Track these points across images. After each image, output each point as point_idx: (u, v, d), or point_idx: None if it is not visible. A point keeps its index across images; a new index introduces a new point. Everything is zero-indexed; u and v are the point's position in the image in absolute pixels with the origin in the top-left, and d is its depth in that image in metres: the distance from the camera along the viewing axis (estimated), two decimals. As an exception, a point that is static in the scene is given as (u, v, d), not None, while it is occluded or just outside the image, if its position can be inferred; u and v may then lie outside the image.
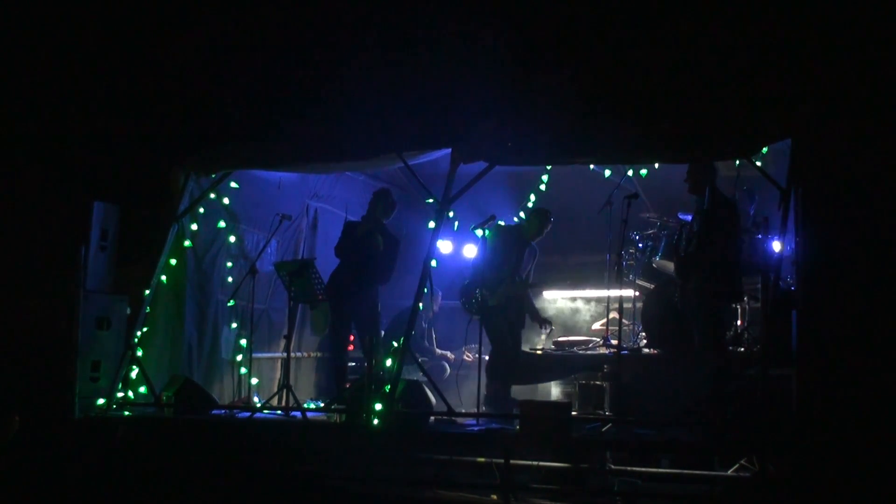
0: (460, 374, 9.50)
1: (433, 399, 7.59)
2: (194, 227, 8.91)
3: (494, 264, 8.32)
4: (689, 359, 7.59)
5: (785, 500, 6.14)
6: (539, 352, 9.16)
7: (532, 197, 10.03)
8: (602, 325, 9.37)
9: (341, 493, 6.89)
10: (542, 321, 8.78)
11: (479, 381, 7.65)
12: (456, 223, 8.97)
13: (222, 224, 9.17)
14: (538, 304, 9.39)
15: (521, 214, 9.98)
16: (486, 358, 8.43)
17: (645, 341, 8.94)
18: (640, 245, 9.33)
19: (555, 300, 10.15)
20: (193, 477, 7.17)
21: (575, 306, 10.41)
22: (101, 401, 8.11)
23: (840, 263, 6.52)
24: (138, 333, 8.48)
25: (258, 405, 8.32)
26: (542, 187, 9.67)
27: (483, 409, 7.82)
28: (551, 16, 7.86)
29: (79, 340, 7.97)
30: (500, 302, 8.26)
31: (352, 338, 9.97)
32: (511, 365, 8.33)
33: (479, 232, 8.20)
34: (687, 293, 7.56)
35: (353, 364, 9.27)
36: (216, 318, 9.12)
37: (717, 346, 7.32)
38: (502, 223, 8.51)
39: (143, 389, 8.41)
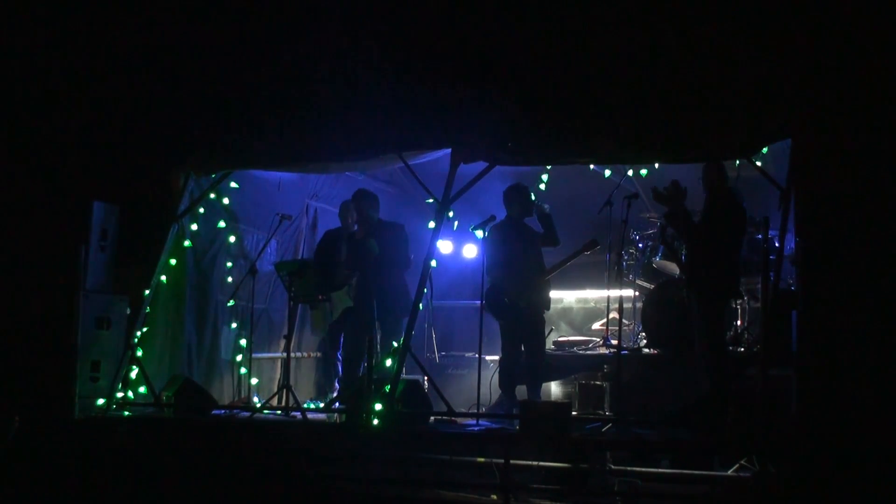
0: (455, 374, 9.50)
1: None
2: (194, 227, 8.92)
3: (510, 264, 8.18)
4: (689, 359, 7.59)
5: (785, 500, 6.14)
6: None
7: (532, 196, 10.01)
8: (602, 325, 9.37)
9: (341, 493, 6.89)
10: (586, 246, 8.51)
11: (479, 380, 7.64)
12: (455, 223, 8.96)
13: (222, 224, 9.17)
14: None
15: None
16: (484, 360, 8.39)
17: (645, 341, 8.94)
18: (640, 245, 9.33)
19: (555, 300, 10.13)
20: (193, 477, 7.17)
21: (575, 306, 10.41)
22: (101, 401, 8.12)
23: (840, 263, 6.52)
24: (138, 333, 8.48)
25: (258, 405, 8.32)
26: (542, 187, 9.67)
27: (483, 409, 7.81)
28: (551, 15, 7.86)
29: (79, 340, 7.98)
30: (531, 301, 8.16)
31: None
32: (520, 372, 8.23)
33: (478, 233, 8.18)
34: (691, 291, 7.56)
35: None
36: (216, 318, 9.12)
37: (718, 346, 7.32)
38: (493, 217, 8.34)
39: (143, 389, 8.41)
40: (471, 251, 10.21)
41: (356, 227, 8.84)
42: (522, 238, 8.33)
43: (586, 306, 10.39)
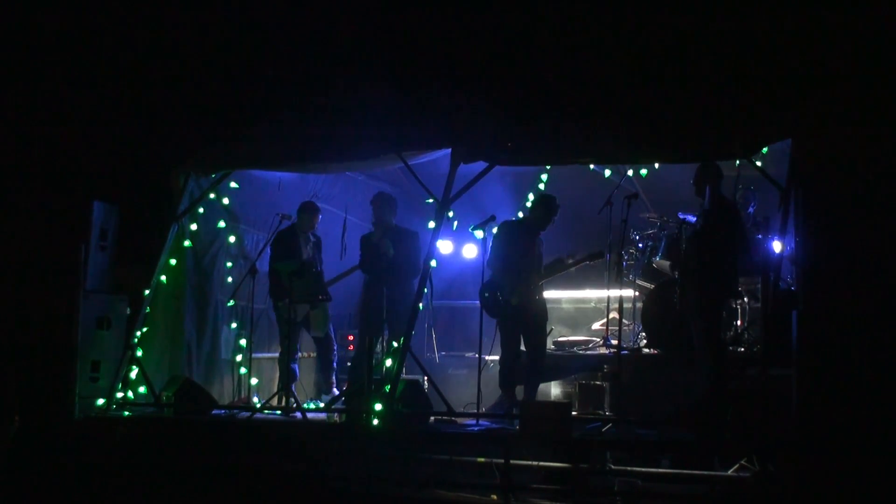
0: (455, 374, 9.49)
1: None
2: (194, 227, 8.91)
3: (510, 263, 8.17)
4: (689, 359, 7.59)
5: (785, 500, 6.14)
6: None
7: (531, 196, 10.02)
8: (602, 325, 9.36)
9: (341, 493, 6.89)
10: (591, 256, 8.47)
11: (479, 380, 7.64)
12: (455, 223, 8.96)
13: (222, 224, 9.17)
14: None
15: (528, 203, 9.97)
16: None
17: (645, 341, 8.94)
18: (640, 245, 9.32)
19: (555, 300, 10.13)
20: (193, 477, 7.17)
21: (575, 306, 10.40)
22: (101, 401, 8.12)
23: (840, 263, 6.52)
24: (138, 333, 8.48)
25: (258, 405, 8.32)
26: (542, 187, 9.66)
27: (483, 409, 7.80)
28: (551, 16, 7.87)
29: (79, 340, 7.98)
30: (523, 300, 8.16)
31: (350, 337, 10.02)
32: (519, 371, 8.23)
33: (478, 233, 8.18)
34: (686, 293, 7.57)
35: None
36: (216, 318, 9.12)
37: (715, 347, 7.32)
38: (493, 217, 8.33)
39: (143, 389, 8.41)
40: (471, 251, 10.20)
41: (372, 229, 8.87)
42: (529, 243, 8.31)
43: (586, 306, 10.37)
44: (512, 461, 6.65)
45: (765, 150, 7.37)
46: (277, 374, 9.61)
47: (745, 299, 8.51)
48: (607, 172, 9.10)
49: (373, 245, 8.73)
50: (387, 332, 8.51)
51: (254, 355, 9.05)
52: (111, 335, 8.30)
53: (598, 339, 9.29)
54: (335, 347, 9.11)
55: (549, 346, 8.96)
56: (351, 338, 10.04)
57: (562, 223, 8.59)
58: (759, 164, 7.43)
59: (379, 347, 8.35)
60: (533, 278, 8.24)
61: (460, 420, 7.50)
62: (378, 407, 7.21)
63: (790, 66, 6.89)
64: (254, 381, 9.08)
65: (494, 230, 8.15)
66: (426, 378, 8.30)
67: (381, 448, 7.08)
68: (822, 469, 6.15)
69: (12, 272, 8.42)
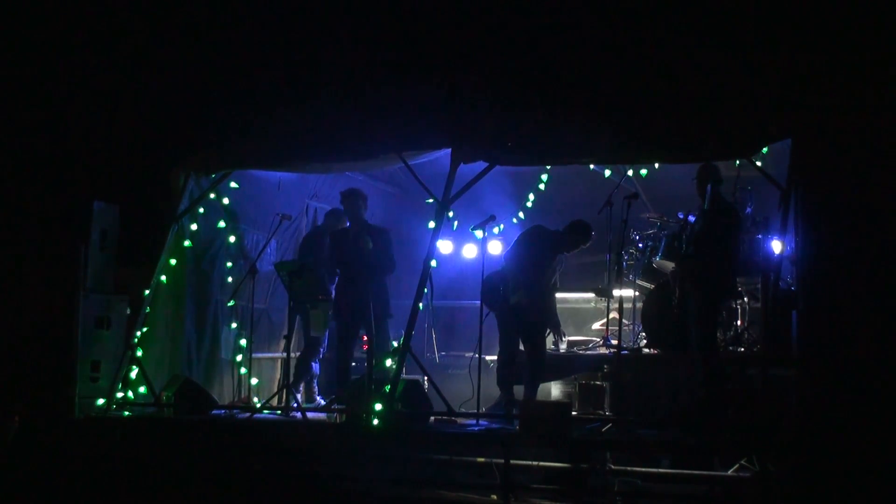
0: (455, 374, 9.49)
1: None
2: (194, 227, 8.91)
3: (525, 264, 8.17)
4: (688, 359, 7.59)
5: (785, 500, 6.14)
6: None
7: (531, 196, 10.03)
8: (602, 325, 9.36)
9: (341, 493, 6.89)
10: (558, 332, 8.63)
11: (479, 380, 7.64)
12: (455, 223, 8.96)
13: (222, 224, 9.17)
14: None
15: (528, 204, 9.99)
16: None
17: (645, 341, 8.94)
18: (640, 245, 9.33)
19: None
20: (193, 477, 7.17)
21: (575, 306, 10.40)
22: (101, 401, 8.12)
23: (840, 263, 6.52)
24: (138, 333, 8.48)
25: (258, 405, 8.32)
26: (542, 187, 9.66)
27: (483, 409, 7.80)
28: (551, 16, 7.87)
29: (79, 340, 7.99)
30: (521, 302, 8.14)
31: (364, 337, 9.99)
32: (516, 371, 8.22)
33: (478, 233, 8.17)
34: (685, 293, 7.57)
35: (354, 364, 9.25)
36: (216, 318, 9.12)
37: (711, 347, 7.32)
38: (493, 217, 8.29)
39: (143, 389, 8.41)
40: (471, 251, 10.20)
41: (347, 224, 8.83)
42: (551, 256, 8.30)
43: (586, 306, 10.37)
44: (512, 461, 6.65)
45: (765, 150, 7.38)
46: (278, 375, 9.64)
47: (745, 299, 8.51)
48: (607, 172, 9.09)
49: (349, 240, 8.68)
50: (362, 329, 8.49)
51: (254, 355, 9.05)
52: (111, 335, 8.31)
53: (598, 339, 9.29)
54: (320, 354, 9.10)
55: (550, 346, 8.96)
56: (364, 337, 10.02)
57: (562, 224, 8.59)
58: (759, 164, 7.43)
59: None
60: (539, 287, 8.23)
61: (460, 420, 7.50)
62: (378, 407, 7.21)
63: (790, 66, 6.89)
64: (254, 381, 9.08)
65: (479, 234, 8.12)
66: (426, 378, 8.30)
67: (381, 448, 7.08)
68: (822, 469, 6.16)
69: (12, 272, 8.43)
